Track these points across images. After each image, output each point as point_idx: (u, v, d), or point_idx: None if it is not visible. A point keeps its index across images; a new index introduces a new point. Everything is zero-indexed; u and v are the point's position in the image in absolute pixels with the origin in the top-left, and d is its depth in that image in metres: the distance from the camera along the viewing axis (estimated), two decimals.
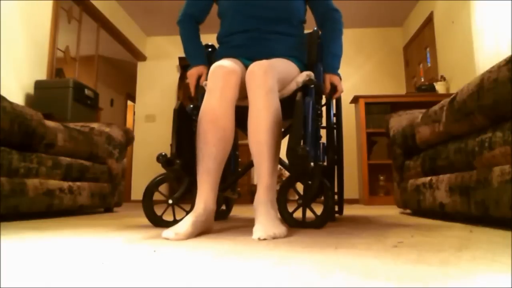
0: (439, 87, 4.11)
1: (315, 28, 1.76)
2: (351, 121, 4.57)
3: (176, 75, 5.74)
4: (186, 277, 0.60)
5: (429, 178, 1.86)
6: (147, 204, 1.52)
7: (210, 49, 1.80)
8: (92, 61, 4.80)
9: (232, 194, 2.01)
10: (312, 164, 1.35)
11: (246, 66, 1.47)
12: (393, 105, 4.08)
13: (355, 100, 4.35)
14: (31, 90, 3.41)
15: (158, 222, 1.51)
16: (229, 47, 1.64)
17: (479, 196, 1.36)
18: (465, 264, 0.69)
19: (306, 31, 1.75)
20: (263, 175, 1.26)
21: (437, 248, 0.89)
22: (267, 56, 1.47)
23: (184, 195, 1.53)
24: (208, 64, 1.64)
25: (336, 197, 1.97)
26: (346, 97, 3.79)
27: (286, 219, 1.47)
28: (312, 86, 1.55)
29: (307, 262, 0.72)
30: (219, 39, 1.71)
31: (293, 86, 1.54)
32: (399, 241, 1.01)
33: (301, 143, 1.33)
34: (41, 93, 3.39)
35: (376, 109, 4.18)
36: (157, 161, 1.38)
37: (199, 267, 0.68)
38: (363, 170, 4.14)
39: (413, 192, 2.08)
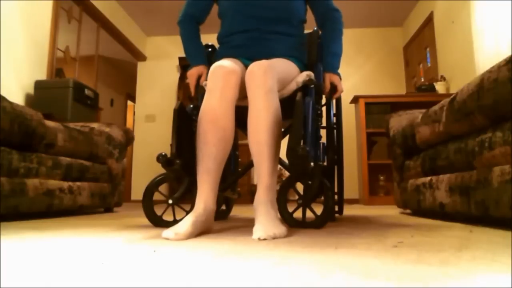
0: (439, 87, 4.11)
1: (315, 28, 1.76)
2: (351, 121, 4.57)
3: (176, 75, 5.74)
4: (186, 277, 0.60)
5: (429, 178, 1.86)
6: (147, 204, 1.52)
7: (210, 49, 1.80)
8: (92, 61, 4.80)
9: (232, 194, 2.00)
10: (312, 164, 1.35)
11: (246, 66, 1.47)
12: (393, 105, 4.08)
13: (355, 100, 4.35)
14: (31, 90, 3.41)
15: (158, 222, 1.51)
16: (229, 47, 1.64)
17: (479, 196, 1.36)
18: (465, 264, 0.69)
19: (306, 31, 1.75)
20: (263, 175, 1.26)
21: (437, 248, 0.89)
22: (267, 56, 1.47)
23: (184, 195, 1.53)
24: (208, 64, 1.64)
25: (336, 197, 1.97)
26: (346, 97, 3.79)
27: (286, 219, 1.47)
28: (312, 86, 1.55)
29: (307, 262, 0.72)
30: (219, 39, 1.72)
31: (293, 86, 1.54)
32: (399, 241, 1.01)
33: (301, 143, 1.33)
34: (41, 93, 3.39)
35: (376, 109, 4.18)
36: (157, 161, 1.38)
37: (199, 267, 0.68)
38: (363, 170, 4.14)
39: (413, 192, 2.08)
